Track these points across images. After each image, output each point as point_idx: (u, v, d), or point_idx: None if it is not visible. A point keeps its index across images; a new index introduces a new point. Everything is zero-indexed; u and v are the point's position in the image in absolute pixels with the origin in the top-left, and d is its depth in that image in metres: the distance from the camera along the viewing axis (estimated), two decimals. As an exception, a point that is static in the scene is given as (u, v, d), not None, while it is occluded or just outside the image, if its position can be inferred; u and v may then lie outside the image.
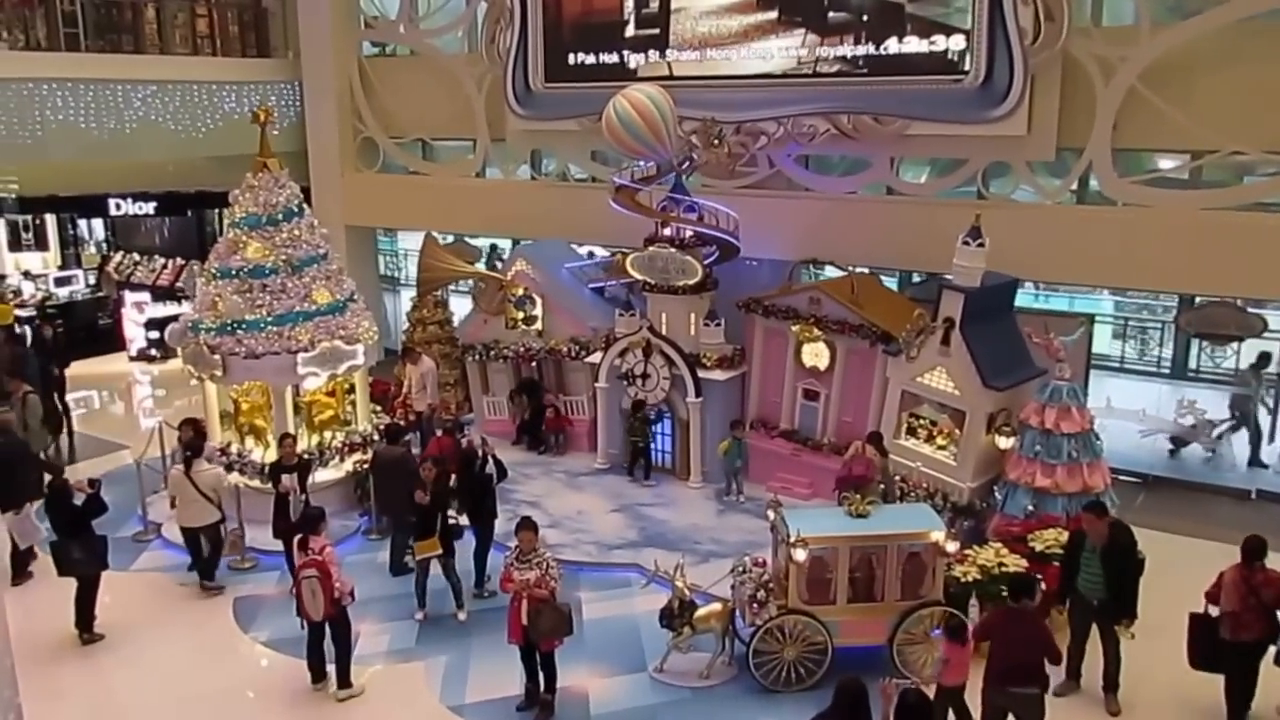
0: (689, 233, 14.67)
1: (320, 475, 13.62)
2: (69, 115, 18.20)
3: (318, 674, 9.91)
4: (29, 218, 24.58)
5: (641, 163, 14.70)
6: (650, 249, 14.76)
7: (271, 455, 13.04)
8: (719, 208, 14.61)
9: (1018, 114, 13.87)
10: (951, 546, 9.72)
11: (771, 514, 10.25)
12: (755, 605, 9.84)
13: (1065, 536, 10.33)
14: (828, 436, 14.17)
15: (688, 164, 14.79)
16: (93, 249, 26.07)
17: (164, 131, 19.32)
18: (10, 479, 12.11)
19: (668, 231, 14.69)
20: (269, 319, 13.21)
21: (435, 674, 10.24)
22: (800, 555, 9.52)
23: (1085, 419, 11.58)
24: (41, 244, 25.02)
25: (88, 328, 22.48)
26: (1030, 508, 11.61)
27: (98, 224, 25.91)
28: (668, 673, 10.16)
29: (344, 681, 9.85)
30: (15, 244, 24.77)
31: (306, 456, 13.20)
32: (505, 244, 19.84)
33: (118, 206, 21.44)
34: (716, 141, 14.21)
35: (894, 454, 12.86)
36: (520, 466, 15.39)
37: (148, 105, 19.11)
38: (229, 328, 13.19)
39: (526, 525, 9.40)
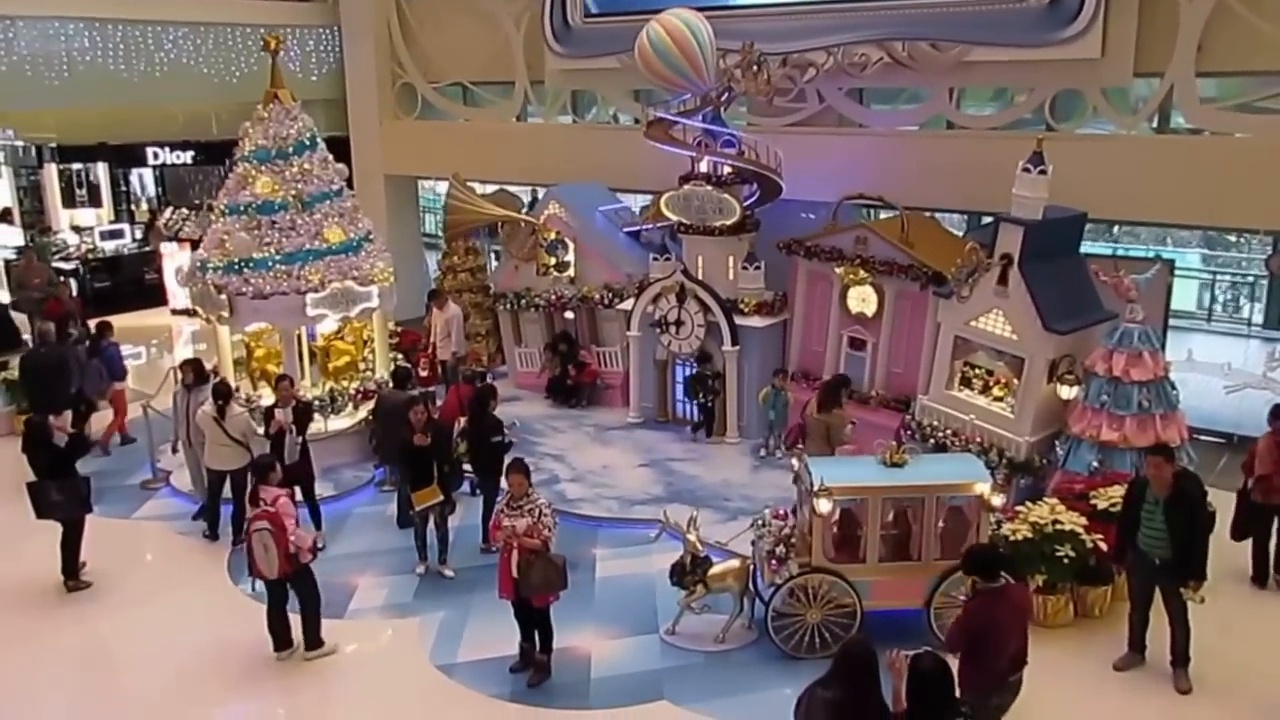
0: (727, 169, 13.65)
1: (334, 424, 13.02)
2: (97, 57, 17.69)
3: (280, 640, 8.96)
4: (83, 174, 24.68)
5: (681, 96, 13.72)
6: (686, 187, 13.77)
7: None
8: (760, 141, 13.53)
9: (1090, 35, 12.54)
10: (998, 500, 8.60)
11: (796, 462, 9.23)
12: (774, 562, 8.84)
13: (1132, 492, 9.20)
14: (875, 389, 13.07)
15: (726, 95, 13.70)
16: (145, 205, 25.96)
17: (196, 76, 18.72)
18: (52, 387, 12.94)
19: (704, 168, 13.68)
20: (277, 257, 12.52)
21: (429, 631, 9.45)
22: (824, 506, 8.48)
23: (1159, 365, 10.34)
24: (95, 200, 25.01)
25: (134, 282, 22.39)
26: (1095, 464, 10.41)
27: (150, 180, 25.75)
28: (680, 635, 9.23)
29: (313, 642, 8.99)
30: (70, 201, 24.84)
31: (317, 402, 12.57)
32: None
33: (155, 156, 21.06)
34: (756, 68, 13.09)
35: (945, 406, 11.73)
36: (549, 420, 14.63)
37: (179, 48, 18.51)
38: (236, 267, 12.52)
39: (517, 468, 8.52)
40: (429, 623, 9.59)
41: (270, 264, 12.49)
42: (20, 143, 20.54)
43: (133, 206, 25.41)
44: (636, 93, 17.25)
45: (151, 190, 26.00)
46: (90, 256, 22.00)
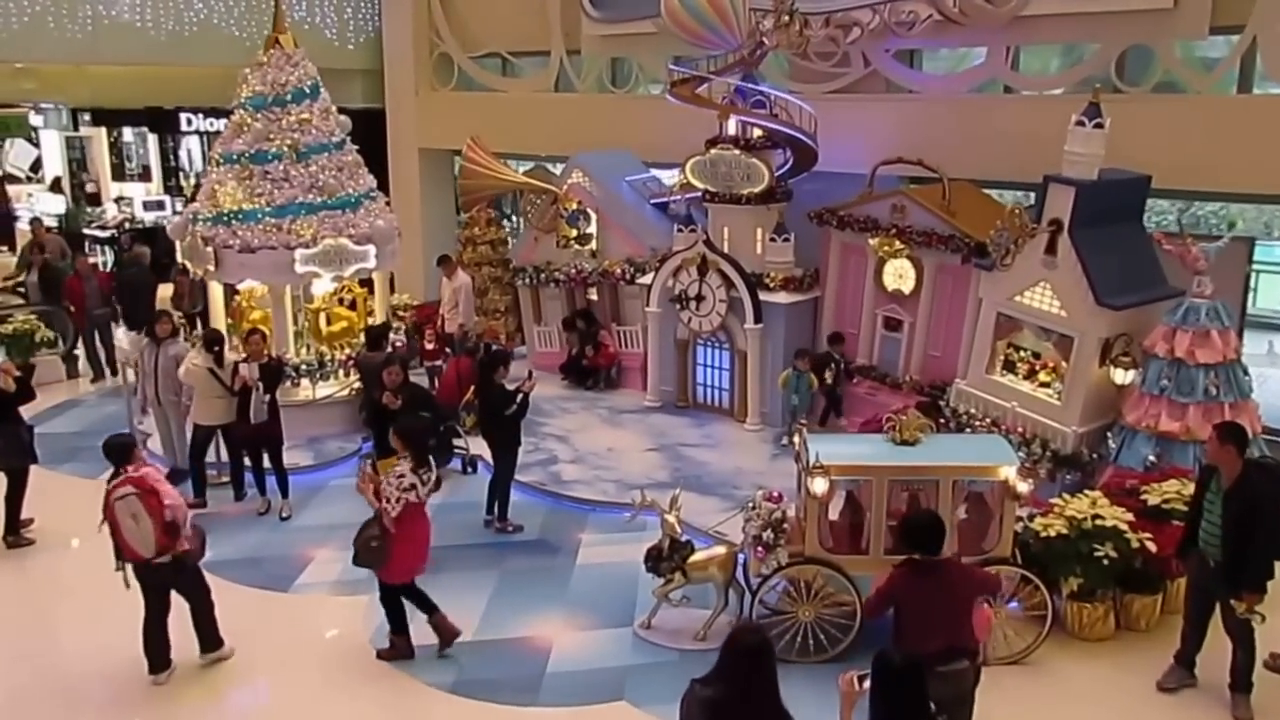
0: (757, 133, 12.54)
1: (322, 390, 12.22)
2: (122, 12, 17.14)
3: (158, 660, 7.51)
4: (133, 148, 24.59)
5: (710, 53, 12.66)
6: (712, 151, 12.69)
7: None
8: (792, 101, 12.41)
9: (1163, -18, 11.15)
10: (1024, 487, 7.32)
11: (796, 439, 8.07)
12: (760, 549, 7.70)
13: (1190, 489, 7.87)
14: (910, 374, 11.85)
15: (758, 52, 12.58)
16: (193, 178, 25.74)
17: (227, 37, 18.08)
18: (137, 304, 14.70)
19: (733, 131, 12.60)
20: (267, 209, 11.76)
21: (377, 611, 8.40)
22: (819, 486, 7.33)
23: (1230, 346, 8.98)
24: (146, 175, 24.86)
25: (170, 253, 21.97)
26: (1152, 459, 9.09)
27: (198, 154, 25.54)
28: (655, 630, 8.14)
29: (211, 641, 7.76)
30: (120, 174, 24.74)
31: (304, 367, 11.78)
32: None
33: (189, 122, 20.66)
34: (788, 18, 11.96)
35: (984, 391, 10.47)
36: (561, 401, 13.64)
37: (210, 7, 17.90)
38: (224, 218, 11.77)
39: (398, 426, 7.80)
40: (378, 601, 8.58)
41: (259, 216, 11.72)
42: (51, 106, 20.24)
43: (182, 182, 25.34)
44: (676, 58, 16.15)
45: (200, 164, 25.90)
46: (127, 226, 21.59)
